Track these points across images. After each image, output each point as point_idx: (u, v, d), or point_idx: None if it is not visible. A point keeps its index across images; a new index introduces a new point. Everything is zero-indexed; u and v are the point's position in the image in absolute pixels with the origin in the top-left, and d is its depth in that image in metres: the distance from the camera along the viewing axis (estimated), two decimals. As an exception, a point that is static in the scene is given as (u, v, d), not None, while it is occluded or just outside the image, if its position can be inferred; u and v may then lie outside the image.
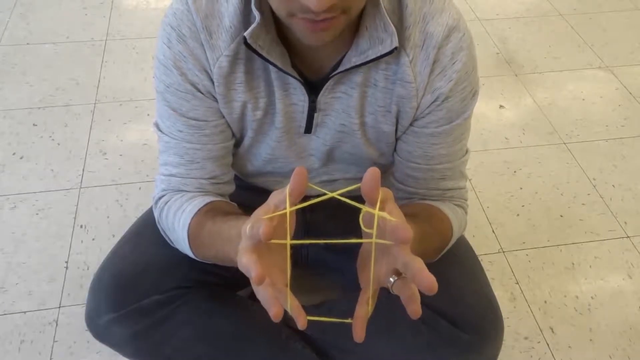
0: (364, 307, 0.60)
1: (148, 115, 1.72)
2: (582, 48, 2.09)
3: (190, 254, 0.85)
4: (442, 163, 0.87)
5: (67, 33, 2.06)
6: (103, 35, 2.06)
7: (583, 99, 1.86)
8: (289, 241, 0.56)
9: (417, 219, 0.78)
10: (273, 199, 0.60)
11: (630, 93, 1.89)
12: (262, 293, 0.57)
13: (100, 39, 2.04)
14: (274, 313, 0.55)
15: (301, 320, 0.57)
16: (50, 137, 1.64)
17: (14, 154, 1.59)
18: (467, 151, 0.90)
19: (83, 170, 1.54)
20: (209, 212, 0.82)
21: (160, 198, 0.88)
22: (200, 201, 0.83)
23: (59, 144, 1.62)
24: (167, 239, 0.89)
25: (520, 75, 1.95)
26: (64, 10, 2.17)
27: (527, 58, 2.03)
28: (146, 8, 2.21)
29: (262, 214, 0.58)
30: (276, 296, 0.57)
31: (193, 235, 0.82)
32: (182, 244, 0.84)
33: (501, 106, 1.82)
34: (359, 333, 0.60)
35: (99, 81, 1.85)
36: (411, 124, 0.84)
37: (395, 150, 0.90)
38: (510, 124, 1.76)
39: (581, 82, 1.93)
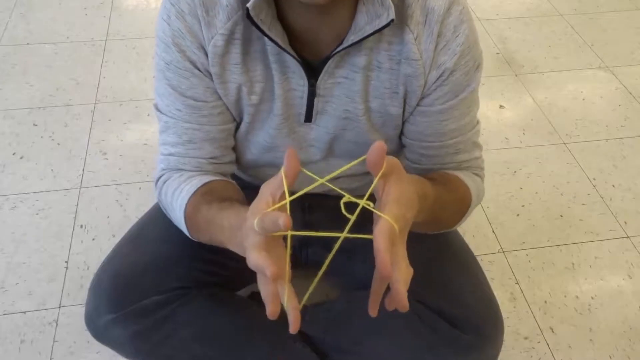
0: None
1: (148, 115, 1.72)
2: (582, 48, 2.09)
3: (189, 235, 0.85)
4: (453, 138, 0.87)
5: (67, 33, 2.06)
6: (103, 35, 2.06)
7: (583, 99, 1.86)
8: (289, 232, 0.55)
9: (434, 182, 0.77)
10: (267, 189, 0.60)
11: (630, 93, 1.89)
12: (266, 288, 0.57)
13: (100, 39, 2.04)
14: (271, 311, 0.56)
15: (294, 325, 0.57)
16: (50, 137, 1.64)
17: (14, 154, 1.59)
18: (477, 122, 0.90)
19: (83, 170, 1.54)
20: (205, 194, 0.81)
21: (159, 177, 0.88)
22: (198, 181, 0.83)
23: (59, 144, 1.62)
24: (168, 217, 0.89)
25: (520, 75, 1.95)
26: (64, 10, 2.17)
27: (527, 58, 2.03)
28: (146, 8, 2.21)
29: (263, 206, 0.58)
30: (278, 294, 0.56)
31: (189, 218, 0.82)
32: (181, 224, 0.85)
33: (501, 106, 1.82)
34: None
35: (99, 81, 1.85)
36: (418, 104, 0.84)
37: (403, 133, 0.90)
38: (510, 124, 1.76)
39: (581, 82, 1.93)
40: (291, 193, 0.59)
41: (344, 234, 0.56)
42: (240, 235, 0.64)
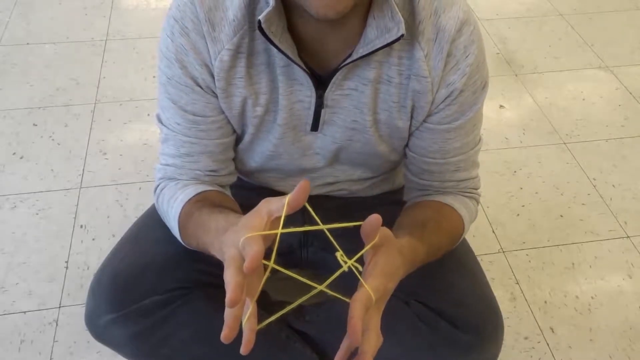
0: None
1: (148, 115, 1.72)
2: (582, 48, 2.09)
3: (182, 242, 0.86)
4: (456, 155, 0.88)
5: (67, 33, 2.06)
6: (103, 35, 2.06)
7: (583, 99, 1.86)
8: (271, 264, 0.57)
9: (426, 230, 0.81)
10: (266, 206, 0.62)
11: (630, 93, 1.89)
12: (228, 310, 0.57)
13: (100, 39, 2.04)
14: (224, 334, 0.56)
15: (245, 346, 0.58)
16: (50, 137, 1.64)
17: (14, 154, 1.59)
18: (480, 140, 0.91)
19: (83, 170, 1.54)
20: (198, 202, 0.82)
21: (157, 186, 0.90)
22: (192, 190, 0.84)
23: (59, 144, 1.62)
24: (166, 224, 0.90)
25: (520, 75, 1.95)
26: (64, 10, 2.17)
27: (527, 58, 2.03)
28: (146, 8, 2.21)
29: (256, 222, 0.60)
30: (238, 318, 0.57)
31: (182, 225, 0.83)
32: (175, 231, 0.86)
33: (501, 106, 1.82)
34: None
35: (99, 81, 1.85)
36: (425, 120, 0.85)
37: (407, 146, 0.90)
38: (510, 124, 1.76)
39: (581, 82, 1.93)
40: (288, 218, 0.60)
41: (321, 287, 0.59)
42: (222, 240, 0.66)
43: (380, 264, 0.64)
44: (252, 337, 0.58)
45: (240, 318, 0.58)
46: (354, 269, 0.60)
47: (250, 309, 0.59)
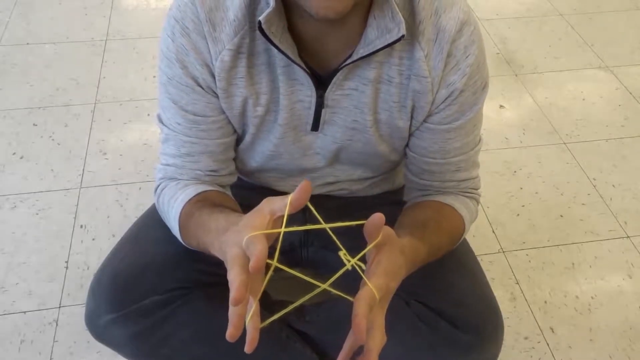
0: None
1: (148, 115, 1.72)
2: (582, 48, 2.09)
3: (182, 242, 0.86)
4: (456, 155, 0.88)
5: (67, 33, 2.06)
6: (103, 35, 2.06)
7: (583, 99, 1.86)
8: (275, 262, 0.58)
9: (426, 231, 0.81)
10: (268, 205, 0.62)
11: (630, 93, 1.89)
12: (233, 309, 0.58)
13: (100, 39, 2.04)
14: (229, 333, 0.56)
15: (250, 345, 0.58)
16: (50, 137, 1.64)
17: (14, 154, 1.59)
18: (480, 140, 0.91)
19: (83, 170, 1.54)
20: (198, 202, 0.83)
21: (157, 186, 0.90)
22: (192, 190, 0.84)
23: (59, 144, 1.62)
24: (166, 224, 0.90)
25: (520, 75, 1.95)
26: (64, 10, 2.17)
27: (527, 58, 2.03)
28: (146, 8, 2.21)
29: (258, 222, 0.60)
30: (243, 316, 0.57)
31: (183, 225, 0.83)
32: (175, 232, 0.86)
33: (501, 106, 1.82)
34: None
35: (99, 81, 1.85)
36: (425, 120, 0.85)
37: (408, 146, 0.91)
38: (510, 124, 1.76)
39: (581, 82, 1.93)
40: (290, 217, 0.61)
41: (324, 285, 0.59)
42: (223, 239, 0.66)
43: (383, 263, 0.65)
44: (256, 336, 0.58)
45: (244, 317, 0.58)
46: (357, 267, 0.61)
47: (253, 307, 0.59)
